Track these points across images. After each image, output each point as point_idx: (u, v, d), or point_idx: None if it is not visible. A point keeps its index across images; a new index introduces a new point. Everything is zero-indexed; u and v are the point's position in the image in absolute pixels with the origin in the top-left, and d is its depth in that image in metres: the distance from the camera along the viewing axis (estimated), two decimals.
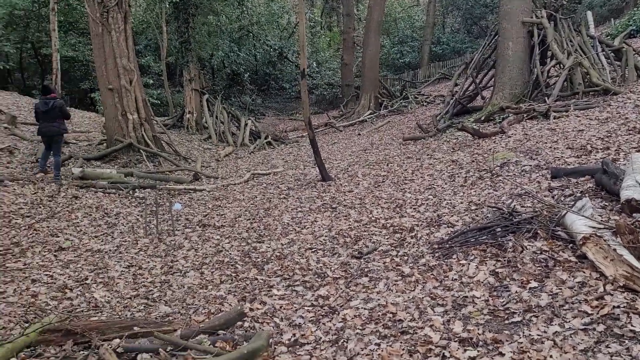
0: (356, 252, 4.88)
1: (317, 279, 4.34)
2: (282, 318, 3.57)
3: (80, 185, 8.37)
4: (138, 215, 7.23)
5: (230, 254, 5.36)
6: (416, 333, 3.02)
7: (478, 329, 2.90)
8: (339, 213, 6.54)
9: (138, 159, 10.45)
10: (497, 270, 3.53)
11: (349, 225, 5.92)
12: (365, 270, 4.32)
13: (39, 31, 22.60)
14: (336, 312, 3.57)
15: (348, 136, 14.97)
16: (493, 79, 11.50)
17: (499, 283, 3.38)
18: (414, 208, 5.83)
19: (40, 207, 7.08)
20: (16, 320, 3.78)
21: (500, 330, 2.86)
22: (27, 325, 3.67)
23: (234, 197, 8.18)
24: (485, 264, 3.66)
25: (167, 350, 3.07)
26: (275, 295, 4.06)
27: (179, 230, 6.39)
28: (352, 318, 3.40)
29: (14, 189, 7.61)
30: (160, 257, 5.35)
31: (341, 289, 4.01)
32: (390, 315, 3.33)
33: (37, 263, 5.12)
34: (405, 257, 4.36)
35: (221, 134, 15.10)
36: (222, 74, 29.73)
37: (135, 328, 3.34)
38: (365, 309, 3.51)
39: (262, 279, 4.50)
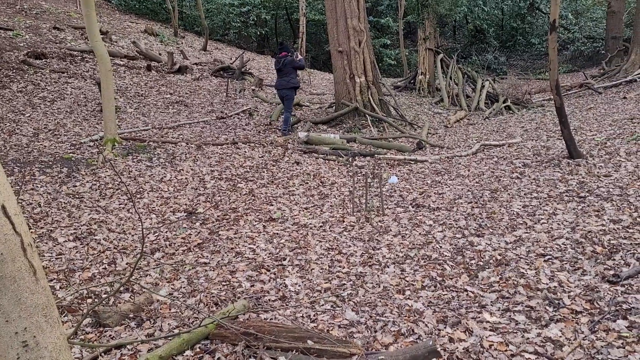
0: (610, 273, 3.56)
1: (547, 307, 3.24)
2: None
3: (304, 150, 8.45)
4: (352, 186, 6.88)
5: (441, 247, 4.54)
6: None
7: None
8: (588, 206, 5.10)
9: (363, 123, 10.18)
10: None
11: (602, 225, 4.51)
12: (624, 307, 3.04)
13: None
14: None
15: (609, 100, 12.26)
16: None
17: None
18: None
19: (264, 172, 7.29)
20: (206, 300, 3.69)
21: None
22: (213, 309, 3.54)
23: (457, 172, 7.21)
24: None
25: None
26: (487, 322, 3.13)
27: (389, 209, 5.80)
28: None
29: (245, 152, 8.03)
30: (363, 241, 4.85)
31: (582, 332, 2.86)
32: None
33: (245, 234, 5.13)
34: None
35: (454, 96, 13.93)
36: (463, 30, 27.92)
37: (309, 342, 2.86)
38: None
39: (472, 292, 3.59)
